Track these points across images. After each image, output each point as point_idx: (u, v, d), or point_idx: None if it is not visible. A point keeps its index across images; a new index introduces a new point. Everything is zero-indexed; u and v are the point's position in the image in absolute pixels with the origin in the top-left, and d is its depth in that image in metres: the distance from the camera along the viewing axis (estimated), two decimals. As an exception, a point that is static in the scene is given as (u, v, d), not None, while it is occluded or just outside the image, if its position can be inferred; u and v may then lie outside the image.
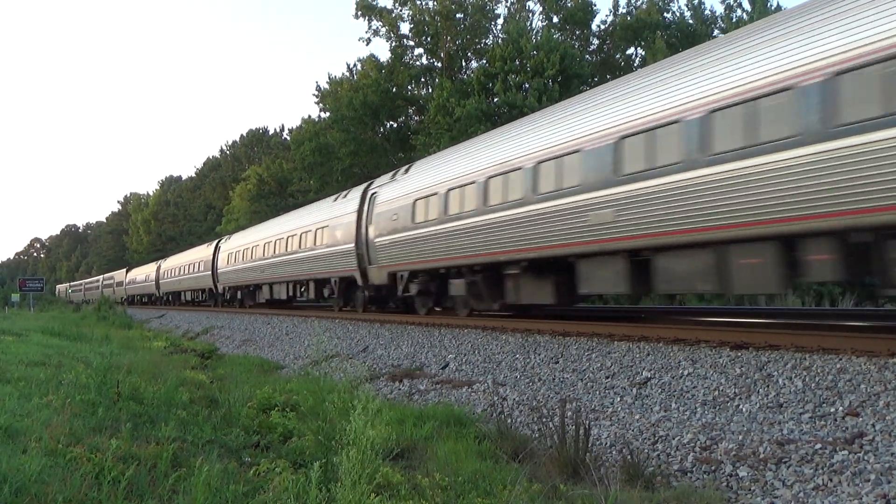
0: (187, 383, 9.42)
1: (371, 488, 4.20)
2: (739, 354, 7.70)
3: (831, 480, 4.79)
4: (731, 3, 36.97)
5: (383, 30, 39.58)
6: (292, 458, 5.69)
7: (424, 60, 40.46)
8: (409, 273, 16.38)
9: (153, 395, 7.62)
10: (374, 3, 39.44)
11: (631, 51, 40.31)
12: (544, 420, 6.81)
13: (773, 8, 33.52)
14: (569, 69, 31.62)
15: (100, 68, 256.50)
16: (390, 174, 18.78)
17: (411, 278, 16.38)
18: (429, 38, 38.60)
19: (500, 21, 39.79)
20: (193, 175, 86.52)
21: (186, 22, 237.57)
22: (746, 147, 7.91)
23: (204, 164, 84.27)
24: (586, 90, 20.94)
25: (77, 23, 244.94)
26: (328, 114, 41.69)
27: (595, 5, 39.19)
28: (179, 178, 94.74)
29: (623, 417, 6.98)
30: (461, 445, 6.27)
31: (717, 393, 7.00)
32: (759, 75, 7.88)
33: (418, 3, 38.57)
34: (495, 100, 31.42)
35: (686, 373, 7.69)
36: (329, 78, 43.83)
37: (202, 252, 40.01)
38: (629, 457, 5.58)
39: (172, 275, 46.66)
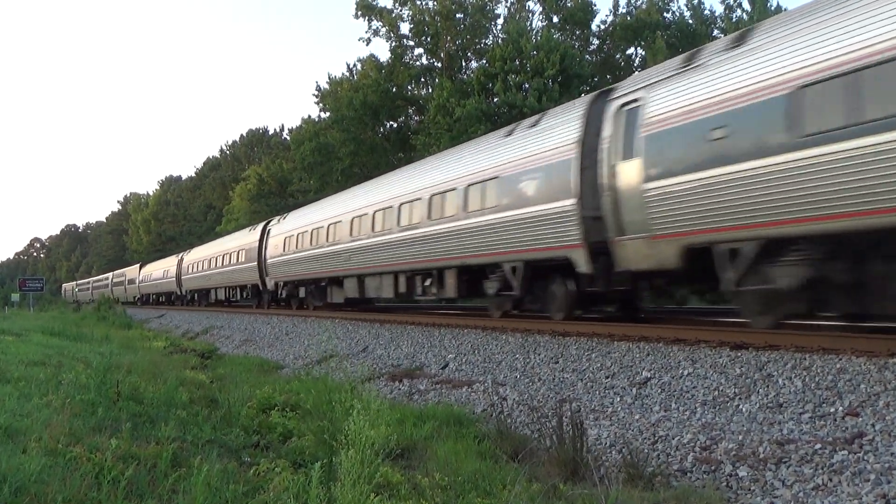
0: (187, 383, 9.43)
1: (371, 488, 4.20)
2: (739, 354, 7.69)
3: (831, 480, 4.79)
4: (731, 3, 37.01)
5: (383, 30, 39.64)
6: (292, 458, 5.69)
7: (424, 60, 40.52)
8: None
9: (153, 395, 7.62)
10: (374, 3, 39.47)
11: (631, 51, 40.38)
12: (544, 420, 6.81)
13: (772, 8, 33.54)
14: (569, 69, 31.65)
15: (100, 68, 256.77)
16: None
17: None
18: (429, 38, 38.62)
19: (500, 21, 39.87)
20: (193, 175, 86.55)
21: (186, 22, 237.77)
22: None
23: (204, 164, 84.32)
24: (587, 90, 20.96)
25: (77, 23, 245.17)
26: (328, 114, 41.71)
27: (595, 5, 39.25)
28: (179, 178, 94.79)
29: (623, 417, 6.98)
30: (461, 445, 6.27)
31: (717, 393, 7.00)
32: None
33: (418, 3, 38.61)
34: (495, 100, 31.45)
35: (686, 373, 7.69)
36: (329, 78, 43.88)
37: (243, 238, 31.79)
38: (629, 457, 5.58)
39: (200, 269, 38.85)
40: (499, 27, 39.80)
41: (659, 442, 6.14)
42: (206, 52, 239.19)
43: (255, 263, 28.62)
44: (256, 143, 71.94)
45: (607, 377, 8.43)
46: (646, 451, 6.03)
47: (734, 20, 34.96)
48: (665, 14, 38.39)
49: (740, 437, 5.73)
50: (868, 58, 6.78)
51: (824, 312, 8.55)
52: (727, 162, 8.29)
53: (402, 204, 16.59)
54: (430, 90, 38.11)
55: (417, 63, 40.46)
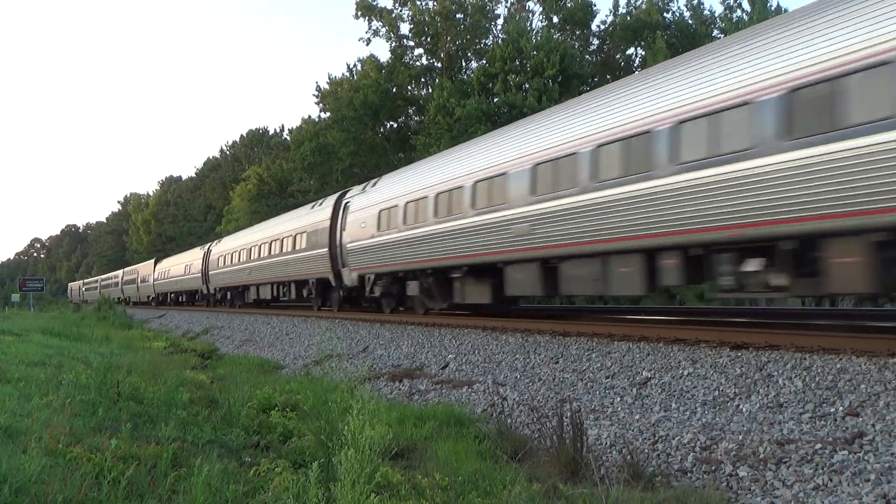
0: (187, 383, 9.42)
1: (371, 488, 4.20)
2: (739, 354, 7.70)
3: (831, 480, 4.79)
4: (731, 3, 37.01)
5: (383, 30, 39.63)
6: (292, 458, 5.69)
7: (424, 60, 40.52)
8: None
9: (153, 395, 7.62)
10: (374, 3, 39.47)
11: (631, 51, 40.37)
12: (544, 420, 6.81)
13: (772, 8, 33.55)
14: (569, 69, 31.66)
15: (100, 68, 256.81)
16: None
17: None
18: (429, 39, 38.62)
19: (500, 21, 39.86)
20: (193, 175, 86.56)
21: (186, 22, 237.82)
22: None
23: (204, 164, 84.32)
24: (587, 90, 20.97)
25: (77, 23, 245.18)
26: (328, 114, 41.70)
27: (595, 5, 39.22)
28: (179, 178, 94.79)
29: (623, 417, 6.98)
30: (461, 445, 6.28)
31: (717, 393, 7.00)
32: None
33: (418, 3, 38.61)
34: (495, 100, 31.45)
35: (686, 373, 7.69)
36: (329, 78, 43.91)
37: (305, 218, 23.59)
38: (629, 457, 5.58)
39: (234, 261, 31.31)
40: (499, 27, 39.83)
41: (659, 442, 6.14)
42: (206, 52, 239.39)
43: (326, 250, 21.03)
44: (256, 143, 71.91)
45: (607, 377, 8.43)
46: (646, 451, 6.03)
47: (734, 20, 34.97)
48: (665, 14, 38.40)
49: (740, 437, 5.73)
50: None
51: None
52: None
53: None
54: (430, 90, 38.11)
55: (417, 63, 40.47)
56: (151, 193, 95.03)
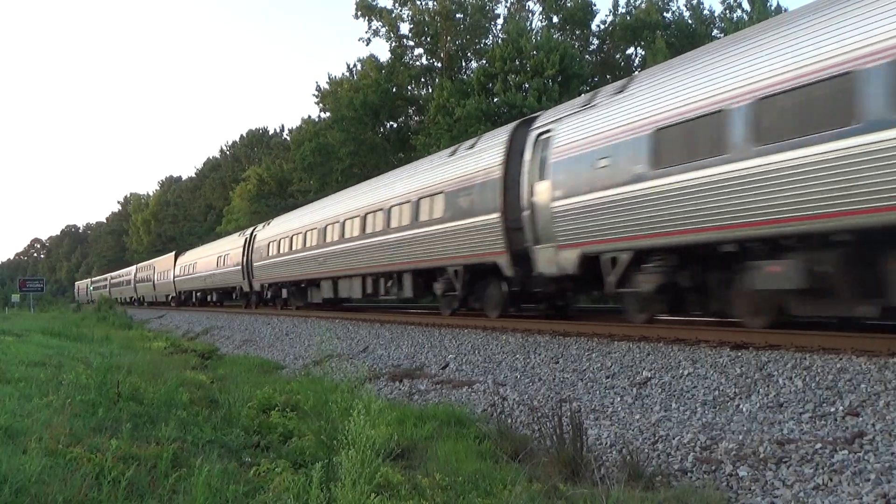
0: (187, 384, 9.42)
1: (371, 488, 4.20)
2: (739, 354, 7.70)
3: (831, 480, 4.79)
4: (731, 2, 37.01)
5: (383, 30, 39.60)
6: (292, 459, 5.69)
7: (424, 60, 40.49)
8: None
9: (153, 395, 7.62)
10: (374, 3, 39.45)
11: (631, 51, 40.38)
12: (544, 420, 6.81)
13: (772, 8, 33.56)
14: (569, 69, 31.64)
15: (100, 68, 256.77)
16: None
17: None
18: (429, 39, 38.60)
19: (500, 21, 39.84)
20: (193, 175, 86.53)
21: (186, 22, 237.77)
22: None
23: (204, 164, 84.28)
24: (586, 90, 21.04)
25: (77, 23, 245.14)
26: (328, 114, 41.69)
27: (595, 5, 39.22)
28: (179, 178, 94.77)
29: (623, 417, 6.98)
30: (461, 445, 6.28)
31: (717, 393, 7.00)
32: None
33: (418, 3, 38.59)
34: (495, 100, 31.44)
35: (686, 373, 7.69)
36: (329, 78, 43.86)
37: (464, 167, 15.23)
38: (629, 457, 5.58)
39: (296, 247, 23.75)
40: (499, 27, 39.82)
41: (659, 442, 6.14)
42: (206, 52, 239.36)
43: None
44: (256, 143, 71.88)
45: (607, 377, 8.43)
46: (646, 450, 6.03)
47: (734, 20, 34.96)
48: (665, 14, 38.40)
49: (741, 437, 5.73)
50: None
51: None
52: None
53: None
54: (430, 90, 38.10)
55: (417, 63, 40.45)
56: (151, 193, 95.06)
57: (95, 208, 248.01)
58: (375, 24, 39.58)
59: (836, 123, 7.10)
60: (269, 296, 28.34)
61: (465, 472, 5.35)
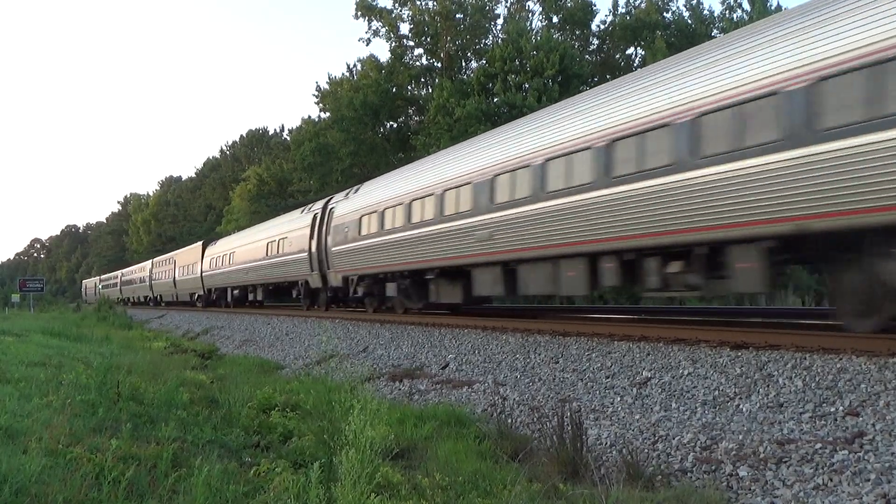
0: (187, 383, 9.42)
1: (371, 488, 4.20)
2: (739, 354, 7.70)
3: (831, 480, 4.79)
4: (731, 2, 37.01)
5: (383, 30, 39.64)
6: (292, 458, 5.69)
7: (424, 60, 40.52)
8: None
9: (153, 395, 7.62)
10: (374, 3, 39.47)
11: (630, 51, 40.38)
12: (544, 420, 6.81)
13: (772, 8, 33.54)
14: (568, 69, 31.66)
15: (100, 68, 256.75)
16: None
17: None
18: (429, 39, 38.61)
19: (500, 21, 39.87)
20: (193, 175, 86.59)
21: (186, 22, 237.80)
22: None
23: (204, 164, 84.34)
24: (586, 90, 20.99)
25: (77, 23, 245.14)
26: (328, 114, 41.71)
27: (595, 5, 39.23)
28: (179, 178, 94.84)
29: (623, 417, 6.98)
30: (461, 445, 6.27)
31: (717, 393, 7.00)
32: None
33: (418, 3, 38.61)
34: (495, 100, 31.44)
35: (686, 373, 7.69)
36: (329, 78, 43.96)
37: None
38: (629, 456, 5.58)
39: (407, 220, 16.12)
40: (499, 27, 39.84)
41: (659, 442, 6.14)
42: (206, 52, 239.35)
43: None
44: (256, 143, 71.91)
45: (607, 377, 8.43)
46: (646, 450, 6.03)
47: (734, 20, 34.96)
48: (665, 14, 38.40)
49: (741, 437, 5.73)
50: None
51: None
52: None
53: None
54: (430, 90, 38.11)
55: (417, 63, 40.47)
56: (151, 193, 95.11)
57: (95, 208, 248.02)
58: (375, 24, 39.65)
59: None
60: (358, 293, 19.63)
61: (465, 471, 5.35)
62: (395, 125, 41.85)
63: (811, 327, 9.17)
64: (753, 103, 8.04)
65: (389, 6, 39.34)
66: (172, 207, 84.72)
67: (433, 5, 38.05)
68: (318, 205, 23.51)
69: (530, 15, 40.21)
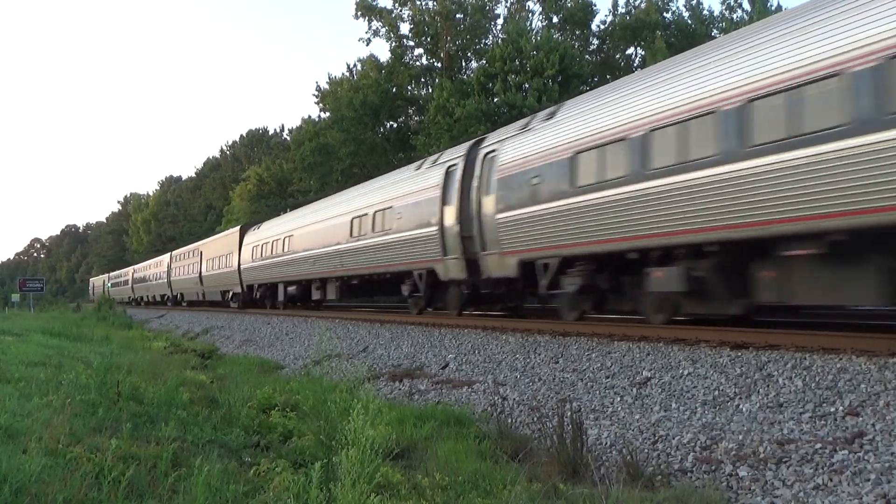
0: (187, 383, 9.42)
1: (371, 488, 4.20)
2: (739, 354, 7.69)
3: (831, 480, 4.79)
4: (732, 2, 37.02)
5: (383, 30, 39.63)
6: (292, 458, 5.69)
7: (424, 60, 40.52)
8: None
9: (153, 395, 7.62)
10: (374, 3, 39.47)
11: (630, 51, 40.40)
12: (544, 420, 6.81)
13: (772, 8, 33.54)
14: (568, 69, 31.67)
15: (100, 68, 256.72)
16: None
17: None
18: (429, 39, 38.61)
19: (500, 21, 39.87)
20: (193, 175, 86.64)
21: (186, 22, 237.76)
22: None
23: (204, 164, 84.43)
24: (586, 90, 20.98)
25: (77, 23, 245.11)
26: (328, 114, 41.70)
27: (595, 5, 39.24)
28: (179, 178, 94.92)
29: (623, 417, 6.98)
30: (461, 445, 6.27)
31: (717, 393, 7.00)
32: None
33: (418, 3, 38.60)
34: (495, 100, 31.45)
35: (686, 373, 7.69)
36: (329, 78, 43.92)
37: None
38: (629, 456, 5.58)
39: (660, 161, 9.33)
40: (499, 27, 39.84)
41: (659, 442, 6.14)
42: (206, 52, 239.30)
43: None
44: (256, 143, 71.94)
45: (607, 377, 8.43)
46: (646, 450, 6.03)
47: (735, 20, 34.97)
48: (664, 14, 38.41)
49: (740, 437, 5.73)
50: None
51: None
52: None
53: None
54: (430, 90, 38.11)
55: (417, 63, 40.47)
56: (151, 193, 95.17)
57: (95, 208, 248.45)
58: (375, 24, 39.64)
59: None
60: (565, 288, 11.98)
61: (465, 471, 5.34)
62: (395, 125, 41.85)
63: (811, 327, 9.16)
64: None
65: (389, 6, 39.38)
66: (172, 207, 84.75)
67: (433, 5, 38.06)
68: (455, 153, 15.63)
69: (530, 15, 40.24)
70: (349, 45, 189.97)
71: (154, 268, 50.30)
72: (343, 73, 42.70)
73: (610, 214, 10.13)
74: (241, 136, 75.09)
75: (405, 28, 39.23)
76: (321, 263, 21.60)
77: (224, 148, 78.71)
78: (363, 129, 39.38)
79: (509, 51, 31.62)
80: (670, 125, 9.10)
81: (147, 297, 52.82)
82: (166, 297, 46.98)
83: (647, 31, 35.96)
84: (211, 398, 8.48)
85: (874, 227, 6.94)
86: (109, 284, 67.69)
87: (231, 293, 32.01)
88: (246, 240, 30.20)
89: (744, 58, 8.39)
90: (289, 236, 24.83)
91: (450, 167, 15.09)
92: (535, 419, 7.24)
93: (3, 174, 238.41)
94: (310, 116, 46.43)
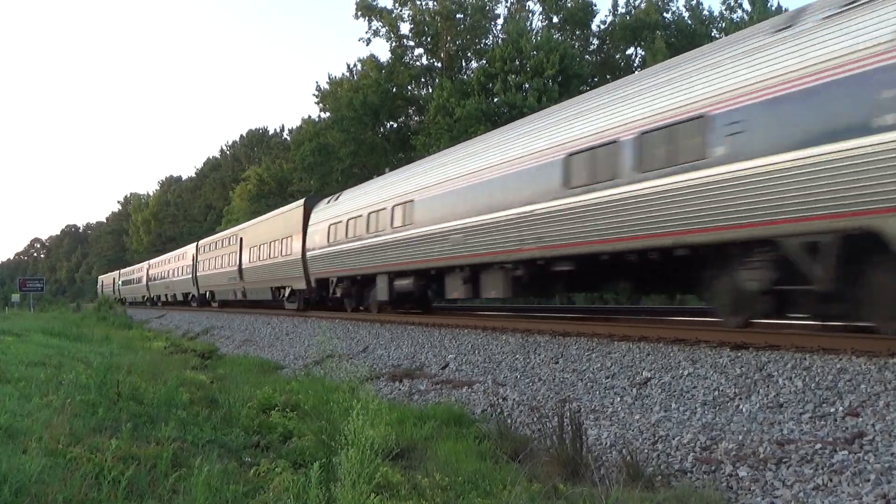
0: (187, 383, 9.42)
1: (371, 488, 4.20)
2: (739, 354, 7.69)
3: (831, 480, 4.79)
4: (731, 3, 37.02)
5: (383, 30, 39.66)
6: (292, 458, 5.69)
7: (424, 60, 40.55)
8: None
9: (153, 395, 7.61)
10: (374, 3, 39.48)
11: (630, 51, 40.39)
12: (544, 420, 6.81)
13: (773, 8, 33.54)
14: (568, 69, 31.68)
15: (100, 68, 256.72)
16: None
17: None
18: (429, 39, 38.63)
19: (500, 21, 39.88)
20: (193, 175, 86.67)
21: (186, 22, 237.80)
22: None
23: (204, 164, 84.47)
24: (586, 90, 20.94)
25: (77, 23, 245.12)
26: (328, 114, 41.70)
27: (595, 5, 39.25)
28: (179, 178, 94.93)
29: (623, 417, 6.98)
30: (461, 445, 6.27)
31: (717, 393, 7.00)
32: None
33: (418, 3, 38.62)
34: (495, 100, 31.46)
35: (686, 373, 7.69)
36: (329, 78, 43.96)
37: None
38: (629, 457, 5.58)
39: None
40: (499, 27, 39.85)
41: (659, 442, 6.13)
42: (206, 52, 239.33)
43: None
44: (256, 143, 71.98)
45: (607, 377, 8.43)
46: (646, 451, 6.03)
47: (735, 20, 34.96)
48: (664, 14, 38.42)
49: (740, 437, 5.73)
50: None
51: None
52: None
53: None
54: (430, 90, 38.13)
55: (417, 63, 40.49)
56: (151, 193, 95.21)
57: (95, 208, 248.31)
58: (375, 24, 39.66)
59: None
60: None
61: (464, 472, 5.34)
62: (395, 125, 41.86)
63: (811, 327, 9.16)
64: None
65: (389, 6, 39.40)
66: (172, 207, 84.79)
67: (433, 5, 38.07)
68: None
69: (530, 15, 40.25)
70: (349, 45, 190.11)
71: (175, 262, 42.63)
72: (343, 74, 42.78)
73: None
74: (241, 136, 75.20)
75: (405, 28, 39.30)
76: (477, 240, 13.57)
77: (224, 148, 78.82)
78: (363, 129, 39.38)
79: (509, 51, 31.63)
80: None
81: (167, 296, 45.18)
82: (190, 296, 39.40)
83: (647, 32, 35.98)
84: (211, 398, 8.47)
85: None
86: (121, 282, 62.21)
87: (288, 290, 24.05)
88: (315, 216, 22.08)
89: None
90: (403, 203, 16.51)
91: None
92: (535, 419, 7.24)
93: (3, 174, 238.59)
94: (310, 116, 46.53)
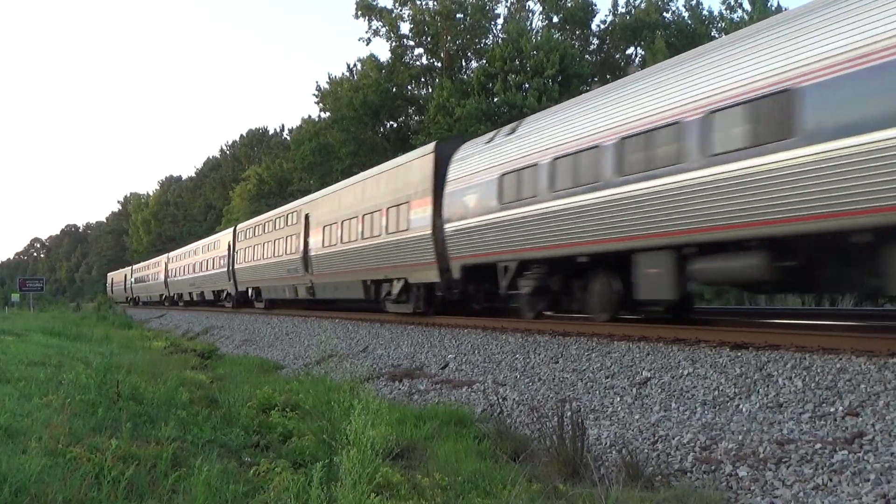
0: (187, 383, 9.42)
1: (371, 488, 4.20)
2: (739, 354, 7.69)
3: (831, 480, 4.79)
4: (731, 2, 37.02)
5: (383, 30, 39.64)
6: (292, 458, 5.69)
7: (424, 60, 40.53)
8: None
9: (153, 395, 7.61)
10: (374, 3, 39.47)
11: (630, 50, 40.38)
12: (544, 420, 6.81)
13: (773, 8, 33.54)
14: (568, 69, 31.69)
15: (100, 68, 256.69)
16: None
17: None
18: (429, 38, 38.63)
19: (500, 21, 39.87)
20: (193, 175, 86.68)
21: (186, 22, 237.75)
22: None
23: (204, 164, 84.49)
24: (587, 90, 20.91)
25: (77, 23, 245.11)
26: (328, 114, 41.70)
27: (595, 5, 39.25)
28: (179, 178, 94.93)
29: (623, 417, 6.98)
30: (461, 445, 6.28)
31: (717, 393, 7.00)
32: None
33: (418, 3, 38.61)
34: (495, 100, 31.45)
35: (686, 373, 7.69)
36: (329, 78, 43.95)
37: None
38: (629, 457, 5.58)
39: None
40: (499, 27, 39.84)
41: (659, 442, 6.13)
42: (206, 52, 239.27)
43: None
44: (256, 143, 72.01)
45: (607, 377, 8.43)
46: (646, 450, 6.03)
47: (735, 20, 34.96)
48: (664, 14, 38.43)
49: (740, 437, 5.73)
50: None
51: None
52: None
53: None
54: (430, 90, 38.13)
55: (417, 63, 40.48)
56: (151, 193, 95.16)
57: (95, 208, 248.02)
58: (375, 23, 39.65)
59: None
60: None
61: (464, 472, 5.35)
62: (395, 125, 41.84)
63: (811, 327, 9.16)
64: None
65: (389, 6, 39.39)
66: (172, 207, 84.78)
67: (433, 5, 38.07)
68: None
69: (530, 15, 40.25)
70: (349, 45, 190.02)
71: (205, 253, 34.25)
72: (343, 73, 42.75)
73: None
74: (241, 135, 75.26)
75: (405, 28, 39.29)
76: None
77: (224, 148, 78.84)
78: (363, 128, 39.37)
79: (509, 50, 31.63)
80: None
81: (192, 294, 37.72)
82: (225, 294, 32.22)
83: (647, 31, 35.99)
84: (211, 398, 8.47)
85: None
86: (133, 279, 55.64)
87: (399, 285, 16.58)
88: (459, 168, 14.61)
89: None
90: (574, 154, 11.00)
91: None
92: (535, 419, 7.24)
93: (3, 174, 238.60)
94: (310, 116, 46.55)
